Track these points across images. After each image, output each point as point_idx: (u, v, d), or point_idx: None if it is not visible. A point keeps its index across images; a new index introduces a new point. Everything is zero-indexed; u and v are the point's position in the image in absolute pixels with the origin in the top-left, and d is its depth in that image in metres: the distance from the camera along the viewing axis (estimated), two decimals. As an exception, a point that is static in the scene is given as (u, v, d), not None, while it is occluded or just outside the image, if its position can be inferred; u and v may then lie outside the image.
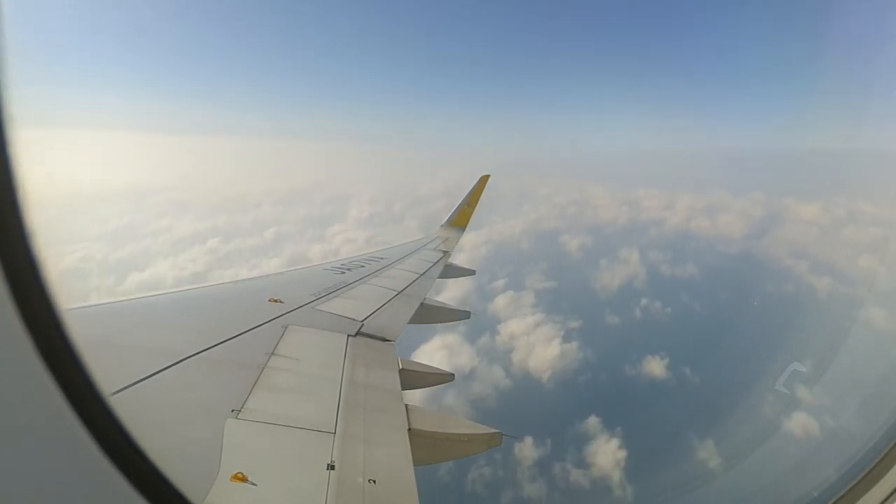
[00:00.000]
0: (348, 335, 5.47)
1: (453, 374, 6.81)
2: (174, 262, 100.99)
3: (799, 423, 37.99)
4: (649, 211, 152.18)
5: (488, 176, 14.81)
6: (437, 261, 10.69)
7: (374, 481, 3.10)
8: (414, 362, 5.66)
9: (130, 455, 1.48)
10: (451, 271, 11.23)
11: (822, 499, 2.68)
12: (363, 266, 8.71)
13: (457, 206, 14.58)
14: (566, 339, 66.64)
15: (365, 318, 6.11)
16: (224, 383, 3.88)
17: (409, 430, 3.90)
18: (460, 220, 14.40)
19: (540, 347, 65.02)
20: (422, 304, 7.67)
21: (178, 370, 3.76)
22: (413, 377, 5.37)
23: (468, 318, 9.48)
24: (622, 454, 46.57)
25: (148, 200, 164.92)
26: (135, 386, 3.34)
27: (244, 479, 2.74)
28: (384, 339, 5.75)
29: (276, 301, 5.94)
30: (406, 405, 4.27)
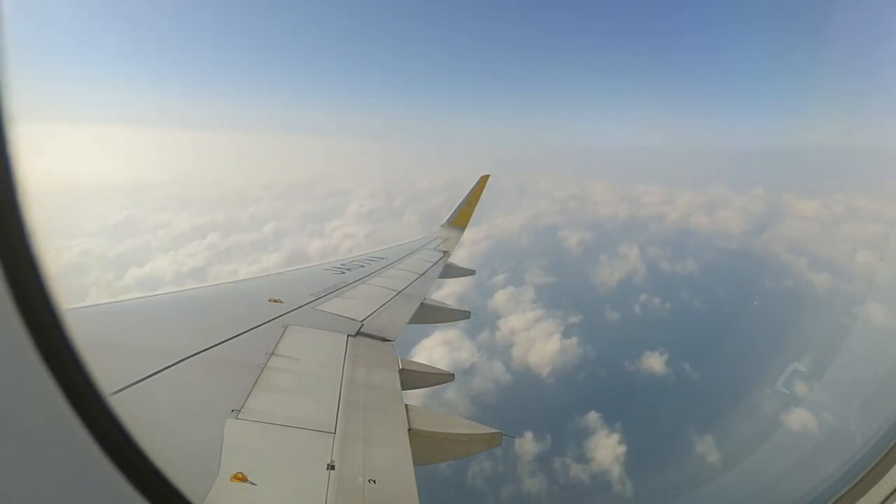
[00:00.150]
0: (348, 335, 5.47)
1: (453, 374, 6.80)
2: (174, 257, 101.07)
3: (798, 419, 38.11)
4: (649, 207, 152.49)
5: (488, 176, 14.79)
6: (437, 261, 10.68)
7: (374, 481, 3.09)
8: (414, 362, 5.65)
9: (130, 455, 1.48)
10: (451, 271, 11.22)
11: (821, 499, 2.67)
12: (363, 266, 8.71)
13: (457, 206, 14.56)
14: (566, 334, 66.81)
15: (365, 318, 6.11)
16: (224, 383, 3.88)
17: (409, 430, 3.90)
18: (460, 219, 14.39)
19: (540, 343, 65.17)
20: (422, 304, 7.66)
21: (178, 370, 3.75)
22: (413, 377, 5.36)
23: (468, 318, 9.46)
24: (622, 449, 46.75)
25: (147, 195, 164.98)
26: (135, 386, 3.34)
27: (244, 479, 2.74)
28: (384, 339, 5.75)
29: (275, 301, 5.94)
30: (406, 405, 4.27)
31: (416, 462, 3.48)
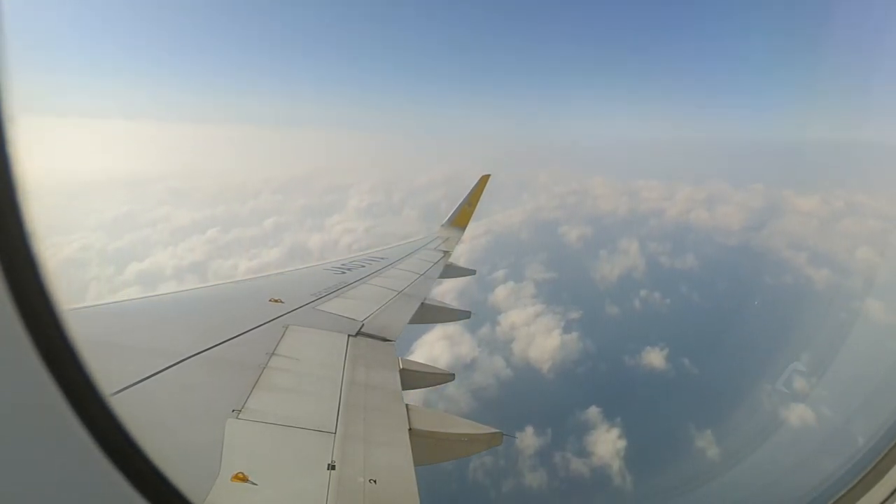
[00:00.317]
0: (349, 335, 5.47)
1: (453, 374, 6.80)
2: (173, 251, 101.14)
3: (798, 418, 38.24)
4: (649, 202, 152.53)
5: (488, 176, 14.77)
6: (438, 260, 10.69)
7: (375, 481, 3.09)
8: (414, 362, 5.65)
9: (131, 455, 1.48)
10: (451, 271, 11.22)
11: (822, 498, 2.67)
12: (363, 266, 8.71)
13: (457, 205, 14.54)
14: (566, 329, 67.03)
15: (365, 318, 6.11)
16: (224, 383, 3.88)
17: (410, 430, 3.90)
18: (460, 219, 14.37)
19: (540, 338, 65.38)
20: (422, 304, 7.67)
21: (179, 370, 3.75)
22: (413, 377, 5.36)
23: (468, 317, 9.45)
24: (622, 444, 46.93)
25: (146, 190, 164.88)
26: (135, 386, 3.34)
27: (245, 479, 2.74)
28: (384, 339, 5.74)
29: (276, 301, 5.94)
30: (406, 405, 4.27)
31: (417, 462, 3.47)
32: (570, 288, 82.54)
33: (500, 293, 78.13)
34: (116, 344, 3.99)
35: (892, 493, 2.47)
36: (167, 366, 3.72)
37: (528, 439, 46.74)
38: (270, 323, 5.25)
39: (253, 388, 3.81)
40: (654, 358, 60.97)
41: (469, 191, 14.78)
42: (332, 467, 3.10)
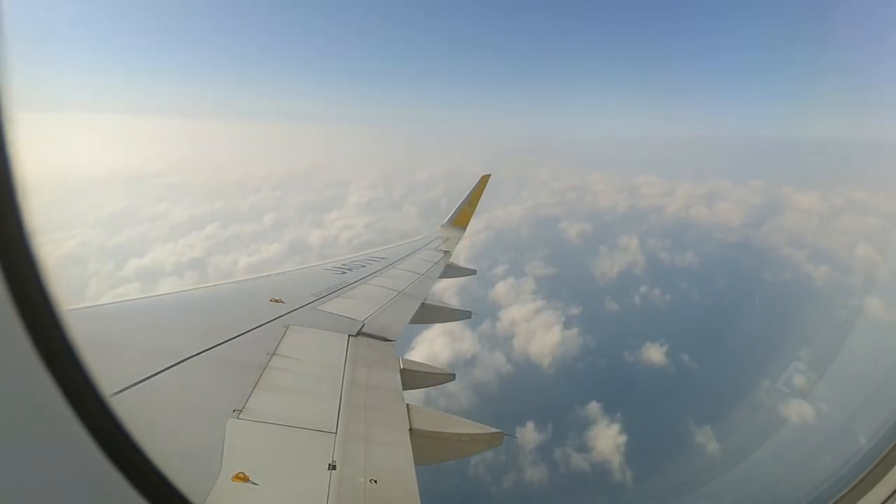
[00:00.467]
0: (349, 335, 5.47)
1: (454, 374, 6.81)
2: (173, 247, 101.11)
3: (798, 418, 38.37)
4: (649, 198, 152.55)
5: (489, 176, 14.78)
6: (438, 260, 10.70)
7: (376, 481, 3.09)
8: (415, 362, 5.66)
9: (131, 456, 1.49)
10: (451, 271, 11.24)
11: (822, 498, 2.67)
12: (364, 266, 8.71)
13: (457, 205, 14.55)
14: (566, 325, 67.19)
15: (366, 319, 6.11)
16: (225, 383, 3.88)
17: (411, 430, 3.90)
18: (461, 219, 14.37)
19: (540, 334, 65.58)
20: (423, 304, 7.68)
21: (179, 370, 3.75)
22: (414, 377, 5.37)
23: (469, 317, 9.46)
24: (622, 439, 47.10)
25: (145, 185, 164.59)
26: (136, 386, 3.34)
27: (246, 479, 2.74)
28: (385, 339, 5.74)
29: (276, 301, 5.94)
30: (407, 405, 4.28)
31: (418, 462, 3.48)
32: (571, 284, 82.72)
33: (501, 289, 78.34)
34: (116, 344, 3.99)
35: (893, 493, 2.46)
36: (168, 366, 3.72)
37: (529, 435, 46.98)
38: (271, 323, 5.25)
39: (254, 388, 3.81)
40: (654, 354, 61.17)
41: (469, 190, 14.79)
42: (332, 467, 3.10)
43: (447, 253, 11.62)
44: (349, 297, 6.93)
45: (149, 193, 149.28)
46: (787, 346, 51.82)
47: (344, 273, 7.98)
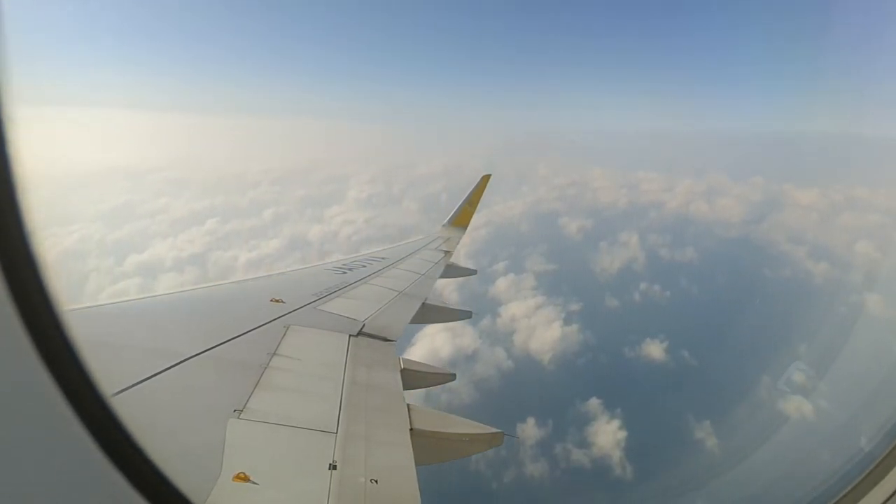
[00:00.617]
0: (350, 335, 5.47)
1: (454, 374, 6.83)
2: (173, 243, 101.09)
3: (797, 413, 38.43)
4: (649, 194, 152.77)
5: (489, 176, 14.78)
6: (439, 260, 10.70)
7: (376, 481, 3.09)
8: (415, 362, 5.66)
9: (132, 456, 1.48)
10: (452, 271, 11.27)
11: (822, 498, 2.66)
12: (364, 266, 8.71)
13: (458, 205, 14.56)
14: (567, 321, 67.44)
15: (366, 319, 6.11)
16: (226, 383, 3.88)
17: (411, 430, 3.91)
18: (461, 219, 14.36)
19: (541, 330, 65.79)
20: (423, 303, 7.68)
21: (180, 371, 3.75)
22: (414, 377, 5.38)
23: (469, 317, 9.49)
24: (622, 434, 47.29)
25: (144, 180, 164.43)
26: (136, 386, 3.33)
27: (246, 479, 2.74)
28: (385, 339, 5.74)
29: (277, 301, 5.93)
30: (408, 405, 4.28)
31: (418, 462, 3.48)
32: (571, 280, 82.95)
33: (501, 285, 78.59)
34: (117, 344, 3.98)
35: (894, 493, 2.46)
36: (168, 366, 3.71)
37: (530, 430, 47.24)
38: (271, 323, 5.25)
39: (254, 388, 3.81)
40: (654, 350, 61.41)
41: (470, 190, 14.78)
42: (333, 467, 3.09)
43: (448, 253, 11.62)
44: (350, 297, 6.92)
45: (148, 188, 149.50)
46: (786, 342, 52.02)
47: (344, 273, 7.98)
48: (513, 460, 43.51)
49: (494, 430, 4.55)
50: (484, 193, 14.64)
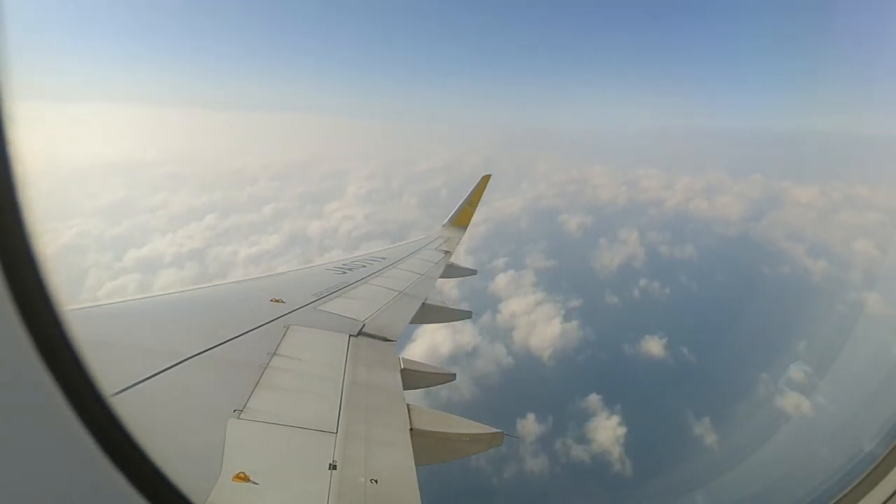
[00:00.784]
0: (350, 335, 5.47)
1: (454, 374, 6.82)
2: (172, 238, 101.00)
3: (796, 412, 38.44)
4: (648, 191, 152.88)
5: (489, 176, 14.79)
6: (439, 261, 10.72)
7: (376, 481, 3.09)
8: (415, 362, 5.66)
9: (132, 456, 1.48)
10: (452, 271, 11.29)
11: (822, 498, 2.66)
12: (364, 266, 8.71)
13: (458, 205, 14.58)
14: (566, 318, 67.49)
15: (366, 319, 6.11)
16: (226, 383, 3.88)
17: (411, 430, 3.91)
18: (462, 219, 14.37)
19: (541, 326, 65.93)
20: (423, 304, 7.70)
21: (180, 371, 3.75)
22: (414, 377, 5.38)
23: (469, 317, 9.53)
24: (622, 430, 47.45)
25: (142, 174, 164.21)
26: (136, 386, 3.33)
27: (246, 479, 2.74)
28: (386, 339, 5.75)
29: (277, 301, 5.93)
30: (408, 405, 4.28)
31: (418, 462, 3.48)
32: (571, 277, 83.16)
33: (501, 281, 78.76)
34: (117, 344, 3.98)
35: (894, 494, 2.45)
36: (168, 366, 3.71)
37: (530, 426, 47.44)
38: (271, 323, 5.25)
39: (254, 388, 3.81)
40: (654, 346, 61.60)
41: (470, 189, 14.79)
42: (333, 467, 3.09)
43: (448, 253, 11.64)
44: (350, 297, 6.92)
45: (147, 183, 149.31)
46: (784, 339, 52.14)
47: (344, 273, 7.98)
48: (513, 456, 43.69)
49: (494, 430, 4.55)
50: (484, 193, 14.66)
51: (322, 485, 2.93)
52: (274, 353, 4.50)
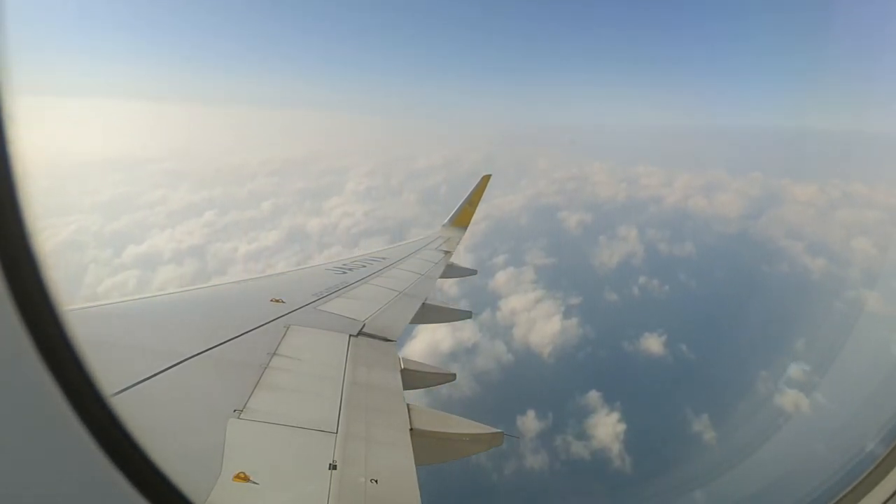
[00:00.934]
0: (350, 335, 5.47)
1: (454, 374, 6.84)
2: (171, 234, 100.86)
3: (795, 411, 38.59)
4: (648, 188, 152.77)
5: (489, 176, 14.79)
6: (439, 261, 10.73)
7: (376, 481, 3.10)
8: (416, 362, 5.67)
9: (132, 455, 1.49)
10: (452, 271, 11.30)
11: (823, 498, 2.66)
12: (364, 266, 8.72)
13: (458, 205, 14.58)
14: (566, 315, 67.59)
15: (367, 319, 6.11)
16: (226, 383, 3.88)
17: (411, 430, 3.91)
18: (462, 219, 14.35)
19: (541, 323, 65.98)
20: (423, 304, 7.70)
21: (180, 370, 3.75)
22: (414, 377, 5.38)
23: (470, 317, 9.55)
24: (621, 427, 47.59)
25: (141, 170, 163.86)
26: (137, 386, 3.33)
27: (246, 479, 2.75)
28: (386, 339, 5.75)
29: (277, 301, 5.93)
30: (408, 405, 4.28)
31: (418, 462, 3.49)
32: (570, 274, 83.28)
33: (501, 278, 78.82)
34: (117, 344, 3.98)
35: (894, 494, 2.45)
36: (168, 366, 3.71)
37: (530, 423, 47.62)
38: (272, 323, 5.24)
39: (254, 388, 3.81)
40: (653, 344, 61.74)
41: (470, 189, 14.77)
42: (333, 467, 3.10)
43: (448, 253, 11.64)
44: (350, 297, 6.92)
45: (146, 179, 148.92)
46: (783, 337, 52.27)
47: (344, 273, 7.98)
48: (513, 452, 43.78)
49: (495, 430, 4.56)
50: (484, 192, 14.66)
51: (322, 485, 2.93)
52: (274, 353, 4.50)
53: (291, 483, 2.98)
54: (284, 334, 5.01)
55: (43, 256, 1.30)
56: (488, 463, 42.14)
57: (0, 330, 1.21)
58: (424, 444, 3.90)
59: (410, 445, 3.67)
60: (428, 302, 7.96)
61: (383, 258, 9.70)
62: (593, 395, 51.74)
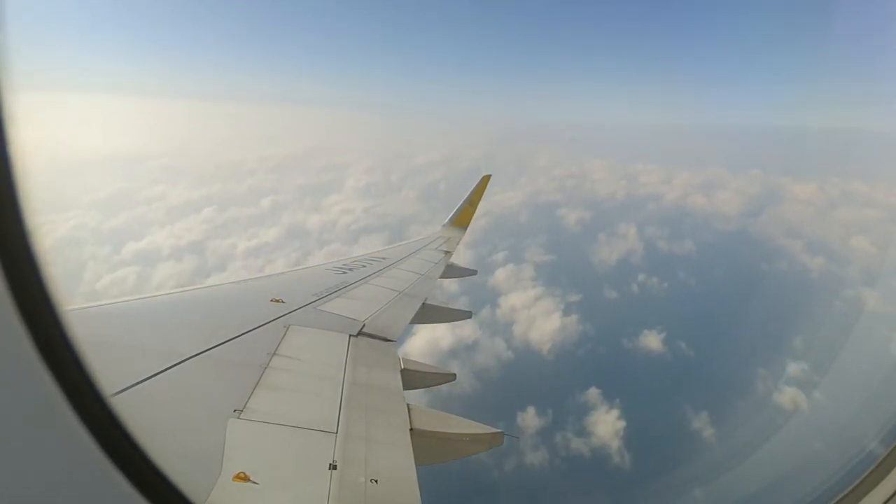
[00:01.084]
0: (350, 335, 5.47)
1: (455, 375, 6.86)
2: (170, 231, 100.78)
3: (795, 410, 38.63)
4: (647, 186, 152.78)
5: (490, 176, 14.81)
6: (439, 261, 10.75)
7: (376, 481, 3.10)
8: (416, 362, 5.66)
9: (132, 455, 1.49)
10: (452, 271, 11.31)
11: (823, 498, 2.66)
12: (364, 266, 8.72)
13: (458, 205, 14.60)
14: (566, 312, 67.68)
15: (367, 319, 6.11)
16: (226, 383, 3.88)
17: (411, 430, 3.91)
18: (462, 219, 14.37)
19: (540, 320, 66.11)
20: (423, 304, 7.70)
21: (180, 370, 3.74)
22: (414, 377, 5.38)
23: (469, 317, 9.56)
24: (621, 424, 47.73)
25: (140, 167, 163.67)
26: (137, 386, 3.33)
27: (246, 479, 2.74)
28: (386, 339, 5.75)
29: (277, 301, 5.92)
30: (408, 405, 4.28)
31: (418, 462, 3.49)
32: (570, 271, 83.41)
33: (500, 276, 78.91)
34: (117, 344, 3.98)
35: (894, 494, 2.45)
36: (168, 366, 3.71)
37: (530, 419, 47.76)
38: (272, 323, 5.24)
39: (254, 388, 3.81)
40: (652, 341, 61.92)
41: (471, 189, 14.79)
42: (333, 467, 3.10)
43: (448, 253, 11.65)
44: (350, 297, 6.92)
45: (145, 176, 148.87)
46: (782, 335, 52.34)
47: (344, 273, 7.98)
48: (513, 450, 43.86)
49: (495, 430, 4.56)
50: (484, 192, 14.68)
51: (322, 485, 2.93)
52: (274, 353, 4.50)
53: (291, 483, 2.98)
54: (284, 334, 5.01)
55: (43, 256, 1.30)
56: (488, 460, 42.21)
57: (0, 330, 1.21)
58: (424, 444, 3.90)
59: (410, 445, 3.67)
60: (428, 302, 7.96)
61: (383, 258, 9.70)
62: (593, 392, 51.93)
